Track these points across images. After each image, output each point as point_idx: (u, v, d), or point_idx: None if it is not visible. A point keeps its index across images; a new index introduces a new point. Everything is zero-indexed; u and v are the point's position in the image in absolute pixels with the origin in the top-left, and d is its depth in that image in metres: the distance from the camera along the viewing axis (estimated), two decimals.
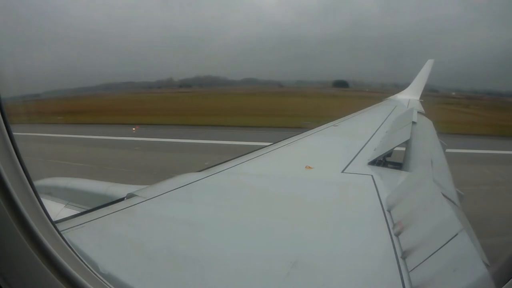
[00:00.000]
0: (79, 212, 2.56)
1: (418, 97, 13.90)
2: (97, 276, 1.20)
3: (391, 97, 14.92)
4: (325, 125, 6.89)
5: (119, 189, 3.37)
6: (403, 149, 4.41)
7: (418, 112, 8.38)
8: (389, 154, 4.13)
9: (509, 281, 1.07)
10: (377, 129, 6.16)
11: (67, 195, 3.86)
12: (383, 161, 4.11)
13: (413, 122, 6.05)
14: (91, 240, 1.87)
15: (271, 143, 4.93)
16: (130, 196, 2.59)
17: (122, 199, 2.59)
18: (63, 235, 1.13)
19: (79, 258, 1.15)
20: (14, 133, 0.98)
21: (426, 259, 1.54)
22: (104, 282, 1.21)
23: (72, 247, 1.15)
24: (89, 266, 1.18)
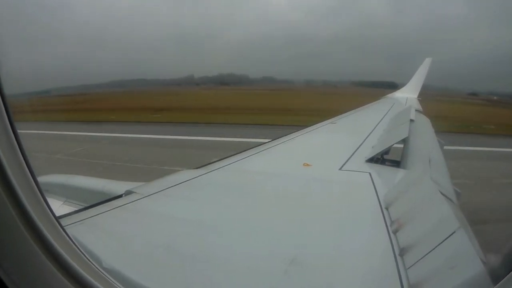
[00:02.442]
0: (77, 209, 2.56)
1: (416, 95, 13.95)
2: (100, 271, 1.21)
3: (389, 95, 14.96)
4: (323, 122, 6.91)
5: (117, 186, 3.37)
6: (401, 146, 4.42)
7: (416, 110, 8.41)
8: (387, 151, 4.15)
9: (507, 276, 1.08)
10: (375, 127, 6.18)
11: (65, 192, 3.85)
12: (381, 158, 4.12)
13: (411, 120, 6.07)
14: (91, 237, 1.87)
15: (269, 140, 4.94)
16: (128, 193, 2.59)
17: (120, 196, 2.59)
18: (68, 232, 1.13)
19: (83, 254, 1.16)
20: (24, 131, 0.98)
21: (423, 257, 1.55)
22: (107, 277, 1.22)
23: (77, 244, 1.15)
24: (93, 262, 1.19)
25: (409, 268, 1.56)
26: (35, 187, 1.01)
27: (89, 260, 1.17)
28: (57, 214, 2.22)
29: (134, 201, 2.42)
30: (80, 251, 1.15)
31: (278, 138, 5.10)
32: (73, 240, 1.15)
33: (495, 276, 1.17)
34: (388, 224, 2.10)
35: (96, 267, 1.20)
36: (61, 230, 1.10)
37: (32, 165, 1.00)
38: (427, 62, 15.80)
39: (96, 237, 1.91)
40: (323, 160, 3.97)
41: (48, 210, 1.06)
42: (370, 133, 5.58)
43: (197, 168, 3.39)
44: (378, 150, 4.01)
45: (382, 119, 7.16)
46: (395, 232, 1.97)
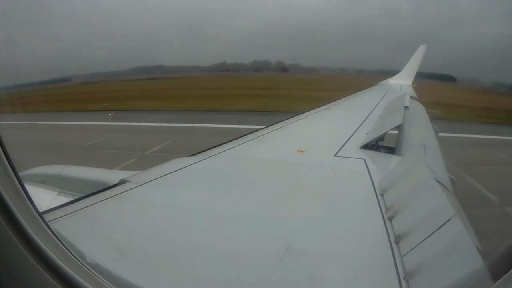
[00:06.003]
0: (72, 199, 2.54)
1: (410, 82, 13.96)
2: (86, 267, 1.18)
3: (383, 81, 14.94)
4: (318, 109, 6.89)
5: (112, 175, 3.34)
6: (396, 132, 4.44)
7: (410, 96, 8.41)
8: (381, 138, 4.16)
9: (508, 273, 1.07)
10: (370, 113, 6.18)
11: (60, 183, 3.81)
12: (376, 145, 4.13)
13: (406, 107, 6.08)
14: (83, 228, 1.86)
15: (264, 127, 4.92)
16: (122, 182, 2.57)
17: (115, 186, 2.57)
18: (51, 226, 1.11)
19: (68, 249, 1.13)
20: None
21: (419, 244, 1.56)
22: (93, 273, 1.19)
23: (60, 239, 1.12)
24: (77, 257, 1.16)
25: (404, 255, 1.57)
26: (16, 180, 0.98)
27: (73, 255, 1.14)
28: (52, 205, 2.20)
29: (129, 190, 2.39)
30: (64, 246, 1.13)
31: (272, 124, 5.08)
32: (57, 234, 1.12)
33: (495, 271, 1.17)
34: (383, 210, 2.11)
35: (81, 262, 1.17)
36: (43, 224, 1.07)
37: (12, 159, 0.97)
38: (421, 49, 15.75)
39: (90, 228, 1.89)
40: (317, 147, 3.96)
41: (30, 204, 1.03)
42: (365, 119, 5.58)
43: (191, 155, 3.37)
44: (373, 136, 4.01)
45: (376, 106, 7.17)
46: (390, 218, 1.98)
